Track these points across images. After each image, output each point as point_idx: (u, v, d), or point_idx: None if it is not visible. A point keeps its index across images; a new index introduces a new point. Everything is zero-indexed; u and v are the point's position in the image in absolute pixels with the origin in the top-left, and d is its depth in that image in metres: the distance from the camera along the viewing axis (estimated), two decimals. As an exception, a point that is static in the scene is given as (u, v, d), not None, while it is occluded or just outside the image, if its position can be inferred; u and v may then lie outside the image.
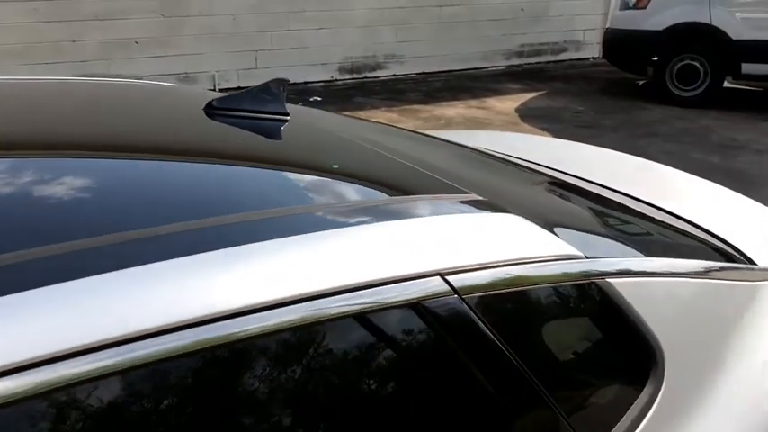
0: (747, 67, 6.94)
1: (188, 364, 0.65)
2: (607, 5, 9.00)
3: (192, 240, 0.73)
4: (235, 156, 1.05)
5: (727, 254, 1.29)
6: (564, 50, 9.99)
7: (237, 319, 0.64)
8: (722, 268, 1.17)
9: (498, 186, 1.14)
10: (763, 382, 1.06)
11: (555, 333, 0.91)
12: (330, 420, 0.71)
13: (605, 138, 6.04)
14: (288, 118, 1.23)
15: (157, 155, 1.03)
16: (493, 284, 0.82)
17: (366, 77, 8.49)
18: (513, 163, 1.57)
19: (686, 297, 1.03)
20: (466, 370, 0.79)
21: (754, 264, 1.30)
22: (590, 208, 1.23)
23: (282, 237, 0.74)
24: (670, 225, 1.30)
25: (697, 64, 7.13)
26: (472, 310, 0.79)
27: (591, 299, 0.92)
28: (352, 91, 7.91)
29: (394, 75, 8.61)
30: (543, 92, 8.02)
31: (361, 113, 6.66)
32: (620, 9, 7.66)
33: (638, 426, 0.91)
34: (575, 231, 1.05)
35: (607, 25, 7.95)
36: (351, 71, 8.42)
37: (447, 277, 0.79)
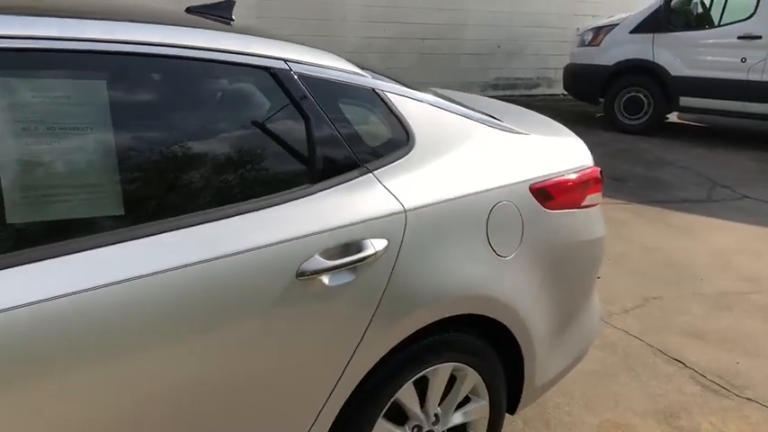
0: (684, 100, 7.90)
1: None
2: (576, 47, 10.02)
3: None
4: (191, 21, 1.93)
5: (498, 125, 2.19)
6: (537, 86, 11.01)
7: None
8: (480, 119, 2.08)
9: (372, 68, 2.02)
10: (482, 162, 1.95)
11: (346, 108, 1.78)
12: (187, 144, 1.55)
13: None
14: (232, 21, 2.12)
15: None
16: (311, 72, 1.71)
17: (353, 97, 9.45)
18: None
19: (428, 112, 1.93)
20: (294, 116, 1.67)
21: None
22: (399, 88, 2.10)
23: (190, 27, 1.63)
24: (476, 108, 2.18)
25: (642, 96, 8.09)
26: (302, 83, 1.68)
27: (369, 99, 1.82)
28: (339, 107, 8.84)
29: (379, 97, 9.58)
30: (509, 116, 8.94)
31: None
32: (578, 46, 8.67)
33: (392, 163, 1.79)
34: (380, 75, 1.92)
35: (568, 61, 8.93)
36: (340, 91, 9.39)
37: (288, 63, 1.68)
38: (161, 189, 1.47)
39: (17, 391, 1.23)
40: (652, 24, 7.90)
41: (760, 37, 7.40)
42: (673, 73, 7.85)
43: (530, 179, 2.06)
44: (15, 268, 1.25)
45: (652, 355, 3.13)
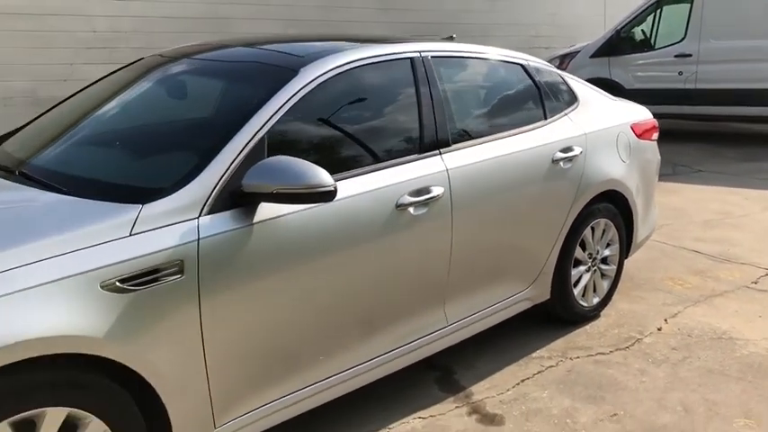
0: (637, 108, 9.91)
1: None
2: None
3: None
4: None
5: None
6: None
7: None
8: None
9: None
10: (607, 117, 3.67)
11: (551, 83, 3.44)
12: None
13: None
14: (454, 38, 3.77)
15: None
16: (537, 65, 3.39)
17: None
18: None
19: (581, 86, 3.63)
20: (532, 87, 3.34)
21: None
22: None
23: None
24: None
25: (603, 107, 10.07)
26: (534, 70, 3.36)
27: (559, 81, 3.51)
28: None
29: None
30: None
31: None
32: (548, 71, 10.64)
33: (572, 110, 3.47)
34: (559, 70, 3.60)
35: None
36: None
37: (527, 61, 3.36)
38: (485, 122, 3.12)
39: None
40: (607, 50, 9.94)
41: (690, 55, 9.50)
42: (627, 87, 9.86)
43: (629, 122, 3.79)
44: (460, 151, 2.85)
45: (677, 250, 4.88)
